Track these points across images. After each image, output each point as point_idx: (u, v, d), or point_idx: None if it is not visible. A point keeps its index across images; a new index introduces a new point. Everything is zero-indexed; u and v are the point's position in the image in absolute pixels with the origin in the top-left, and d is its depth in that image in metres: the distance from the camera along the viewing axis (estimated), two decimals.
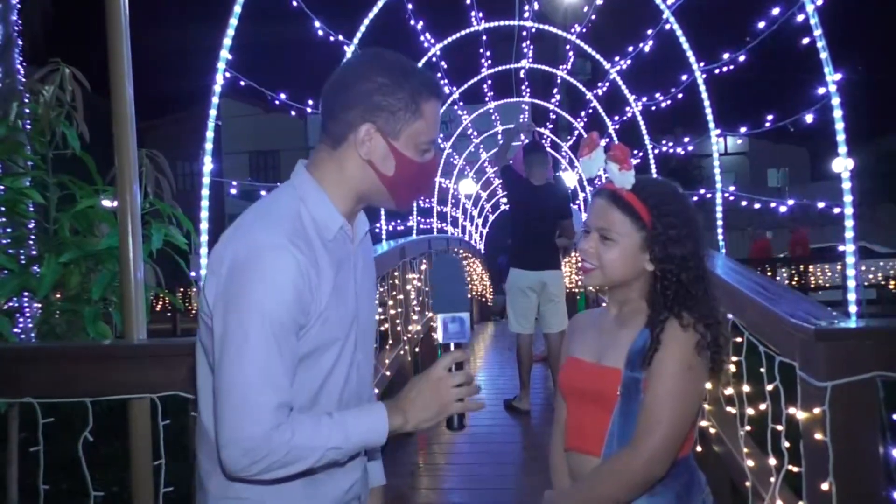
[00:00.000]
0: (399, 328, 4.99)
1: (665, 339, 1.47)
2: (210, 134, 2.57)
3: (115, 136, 2.29)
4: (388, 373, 4.22)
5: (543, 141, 12.62)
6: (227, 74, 2.57)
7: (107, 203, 2.96)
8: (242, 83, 3.00)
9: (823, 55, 2.43)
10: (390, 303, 4.90)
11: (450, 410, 1.34)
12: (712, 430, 3.11)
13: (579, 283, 10.15)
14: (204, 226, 2.74)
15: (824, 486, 1.91)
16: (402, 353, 4.88)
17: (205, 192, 2.67)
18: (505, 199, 6.52)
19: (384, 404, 1.31)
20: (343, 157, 1.34)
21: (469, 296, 1.44)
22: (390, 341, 4.80)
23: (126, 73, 2.30)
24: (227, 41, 2.62)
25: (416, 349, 5.62)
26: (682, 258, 1.51)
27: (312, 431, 1.23)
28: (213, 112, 2.58)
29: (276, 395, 1.21)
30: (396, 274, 5.13)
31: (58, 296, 2.96)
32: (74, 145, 3.02)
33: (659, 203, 1.55)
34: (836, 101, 2.44)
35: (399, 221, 7.29)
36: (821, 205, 2.74)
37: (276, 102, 3.78)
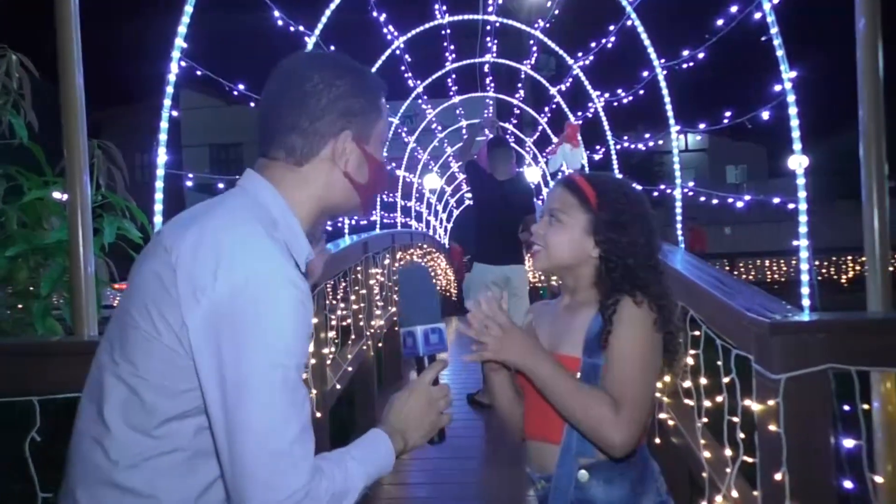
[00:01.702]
0: (362, 323, 4.96)
1: (620, 318, 1.48)
2: (165, 125, 2.51)
3: (63, 125, 2.22)
4: (350, 368, 4.19)
5: (507, 136, 12.66)
6: (183, 63, 2.51)
7: (56, 195, 2.87)
8: (199, 73, 2.94)
9: (780, 53, 2.47)
10: (353, 297, 4.86)
11: (438, 425, 1.32)
12: (671, 423, 3.16)
13: (541, 276, 10.23)
14: (158, 219, 2.68)
15: (778, 476, 1.95)
16: (364, 348, 4.85)
17: (159, 184, 2.60)
18: (469, 195, 6.55)
19: (383, 432, 1.26)
20: (312, 173, 1.22)
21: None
22: (353, 336, 4.77)
23: (75, 60, 2.23)
24: (182, 29, 2.56)
25: (379, 344, 5.59)
26: (628, 244, 1.52)
27: (343, 476, 1.14)
28: (167, 102, 2.52)
29: (311, 440, 1.10)
30: (359, 269, 5.09)
31: (9, 290, 2.87)
32: (21, 134, 2.92)
33: (607, 189, 1.58)
34: (791, 98, 2.49)
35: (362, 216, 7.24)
36: (776, 200, 2.79)
37: (235, 93, 3.71)
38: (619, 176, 1.73)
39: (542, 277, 10.25)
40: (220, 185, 2.95)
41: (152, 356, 1.11)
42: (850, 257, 15.58)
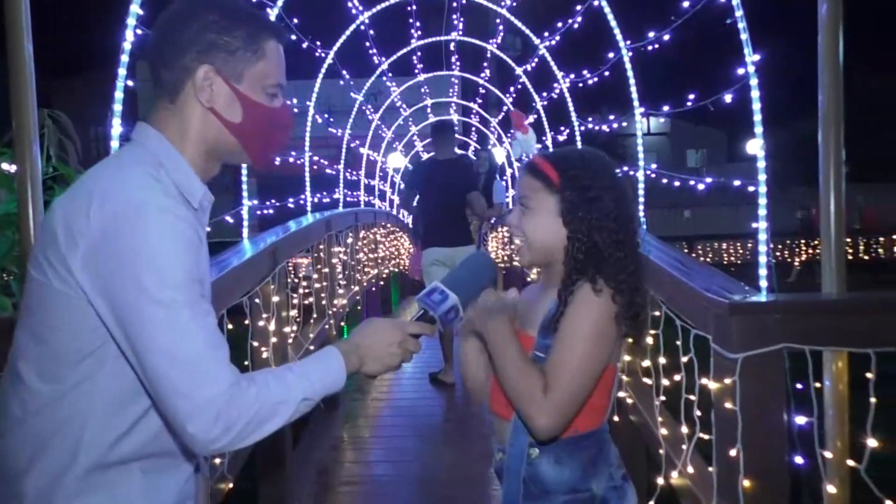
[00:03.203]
0: (324, 302, 4.92)
1: (575, 301, 1.46)
2: (119, 95, 2.42)
3: (11, 94, 2.13)
4: (312, 347, 4.15)
5: (473, 116, 12.63)
6: (139, 31, 2.43)
7: (5, 166, 2.76)
8: None
9: (744, 36, 2.49)
10: (315, 276, 4.82)
11: (392, 366, 1.33)
12: (629, 401, 3.21)
13: (506, 258, 10.27)
14: None
15: (732, 453, 1.99)
16: (326, 327, 4.81)
17: None
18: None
19: (338, 348, 1.27)
20: (184, 109, 1.22)
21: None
22: (315, 315, 4.73)
23: (24, 26, 2.13)
24: None
25: (342, 324, 5.56)
26: (598, 219, 1.49)
27: (280, 385, 1.15)
28: (122, 72, 2.43)
29: (223, 348, 1.13)
30: (322, 247, 5.04)
31: None
32: None
33: (569, 166, 1.54)
34: (754, 81, 2.51)
35: (325, 194, 7.16)
36: (736, 183, 2.83)
37: None
38: (582, 147, 1.70)
39: (506, 260, 10.28)
40: None
41: (52, 304, 1.14)
42: (803, 241, 15.99)
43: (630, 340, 1.52)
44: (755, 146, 2.53)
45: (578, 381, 1.44)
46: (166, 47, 1.21)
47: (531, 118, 7.37)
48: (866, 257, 17.24)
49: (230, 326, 2.77)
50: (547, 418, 1.42)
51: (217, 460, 2.50)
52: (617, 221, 1.50)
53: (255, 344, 3.23)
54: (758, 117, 2.50)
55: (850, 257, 15.32)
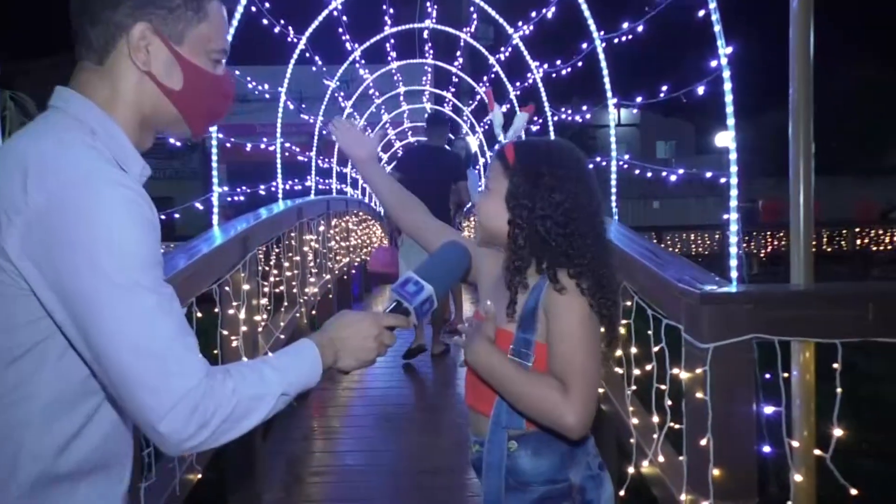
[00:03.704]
0: (295, 290, 4.86)
1: (553, 298, 1.45)
2: None
3: None
4: (282, 336, 4.11)
5: (446, 104, 12.57)
6: None
7: None
8: None
9: (717, 28, 2.49)
10: (286, 264, 4.76)
11: (366, 361, 1.28)
12: (601, 390, 3.22)
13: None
14: None
15: (703, 442, 2.01)
16: (297, 315, 4.76)
17: None
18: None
19: (313, 341, 1.20)
20: (115, 72, 1.09)
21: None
22: (286, 303, 4.68)
23: None
24: None
25: (313, 312, 5.52)
26: (540, 209, 1.46)
27: (257, 379, 1.07)
28: None
29: (192, 337, 1.02)
30: (293, 235, 4.98)
31: None
32: None
33: (528, 152, 1.54)
34: (726, 74, 2.52)
35: (297, 181, 7.08)
36: (708, 174, 2.84)
37: None
38: (557, 139, 1.69)
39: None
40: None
41: None
42: (769, 233, 16.27)
43: (602, 329, 1.51)
44: (726, 138, 2.54)
45: (591, 370, 1.43)
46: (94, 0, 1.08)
47: (505, 107, 7.35)
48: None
49: (199, 315, 2.72)
50: (575, 416, 1.40)
51: None
52: (567, 215, 1.47)
53: (225, 332, 3.19)
54: (730, 109, 2.51)
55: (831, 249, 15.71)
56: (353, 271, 8.84)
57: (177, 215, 4.46)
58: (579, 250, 1.47)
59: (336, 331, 1.25)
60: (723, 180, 2.47)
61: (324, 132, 8.16)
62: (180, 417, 0.98)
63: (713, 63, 2.62)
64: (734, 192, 2.42)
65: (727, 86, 2.48)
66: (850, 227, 17.08)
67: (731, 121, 2.49)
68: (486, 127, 9.74)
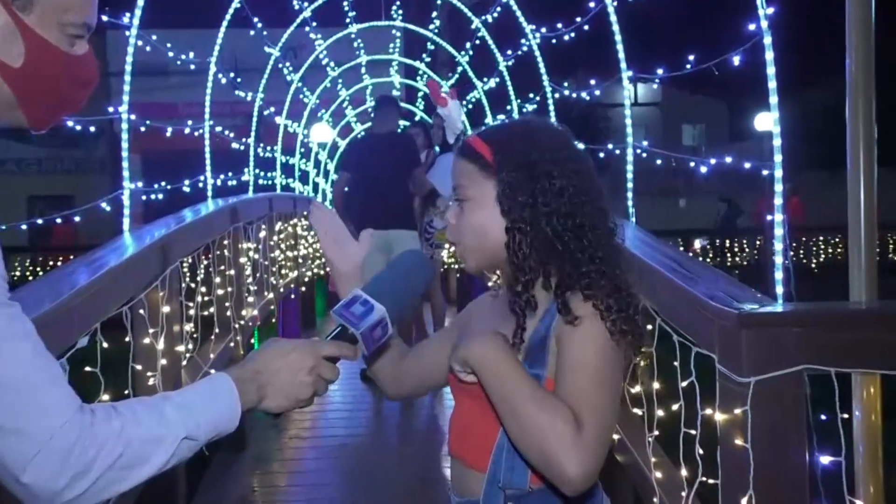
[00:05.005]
0: (229, 313, 4.82)
1: (567, 333, 1.45)
2: None
3: None
4: (212, 371, 4.07)
5: (419, 77, 12.61)
6: None
7: None
8: None
9: None
10: (217, 280, 4.72)
11: (299, 401, 1.27)
12: (615, 436, 3.23)
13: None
14: None
15: (743, 501, 2.01)
16: (232, 345, 4.72)
17: None
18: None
19: (230, 375, 1.20)
20: None
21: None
22: (216, 330, 4.64)
23: None
24: None
25: (252, 340, 5.48)
26: (543, 203, 1.46)
27: (153, 418, 1.07)
28: None
29: (57, 365, 1.04)
30: (226, 243, 4.95)
31: None
32: None
33: (506, 139, 1.53)
34: (768, 39, 2.55)
35: (231, 175, 7.05)
36: (747, 165, 2.87)
37: None
38: (529, 117, 1.69)
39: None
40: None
41: None
42: (821, 238, 16.47)
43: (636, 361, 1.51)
44: (768, 120, 2.57)
45: (608, 412, 1.41)
46: None
47: (447, 86, 7.42)
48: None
49: (105, 345, 2.69)
50: (581, 466, 1.35)
51: None
52: (573, 204, 1.47)
53: (139, 367, 3.15)
54: (773, 84, 2.54)
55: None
56: (304, 289, 8.81)
57: (77, 218, 4.43)
58: (592, 247, 1.47)
59: (262, 362, 1.24)
60: (765, 172, 2.50)
61: (265, 112, 8.13)
62: (49, 464, 0.97)
63: (751, 26, 2.65)
64: (778, 188, 2.44)
65: (769, 55, 2.51)
66: None
67: (773, 98, 2.53)
68: (471, 108, 9.76)
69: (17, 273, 13.42)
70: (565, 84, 6.51)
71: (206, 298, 4.53)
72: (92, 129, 5.25)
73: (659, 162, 4.02)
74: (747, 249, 16.50)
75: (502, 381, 1.41)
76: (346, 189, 6.26)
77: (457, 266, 10.01)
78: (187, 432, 1.10)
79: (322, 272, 10.14)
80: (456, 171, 1.56)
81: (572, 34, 5.40)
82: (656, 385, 2.73)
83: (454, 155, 1.59)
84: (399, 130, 6.53)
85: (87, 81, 1.19)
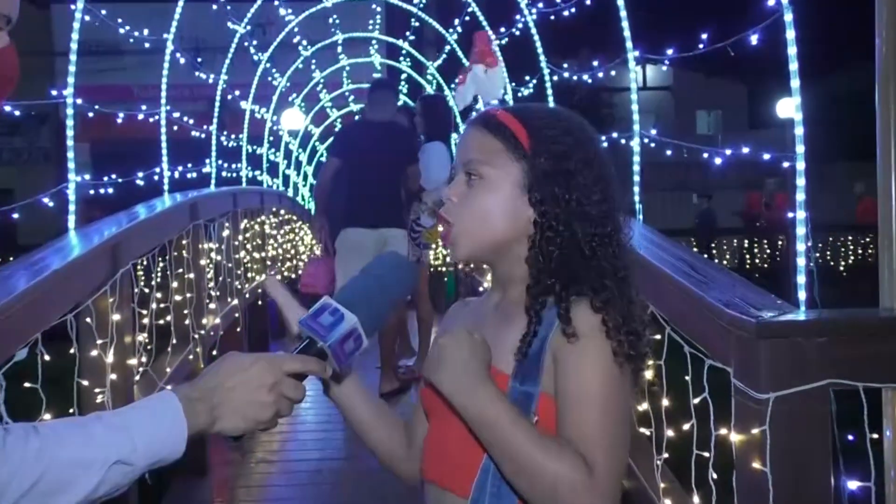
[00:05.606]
0: (188, 322, 4.81)
1: (567, 350, 1.43)
2: None
3: None
4: (168, 387, 4.05)
5: (403, 59, 12.61)
6: None
7: None
8: None
9: None
10: (174, 285, 4.71)
11: (259, 423, 1.26)
12: None
13: (447, 255, 10.29)
14: None
15: None
16: (191, 357, 4.71)
17: None
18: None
19: (177, 394, 1.19)
20: None
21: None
22: (174, 341, 4.62)
23: None
24: None
25: (213, 353, 5.46)
26: (577, 202, 1.47)
27: (79, 439, 1.08)
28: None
29: None
30: (185, 243, 4.94)
31: None
32: None
33: (545, 124, 1.52)
34: (789, 17, 2.56)
35: (191, 166, 7.03)
36: (766, 156, 2.88)
37: None
38: (557, 107, 1.69)
39: (448, 259, 10.29)
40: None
41: None
42: (849, 237, 16.52)
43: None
44: (789, 106, 2.58)
45: (619, 445, 1.41)
46: None
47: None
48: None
49: (47, 357, 2.68)
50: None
51: None
52: (605, 206, 1.48)
53: (86, 383, 3.14)
54: (794, 66, 2.55)
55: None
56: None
57: (16, 215, 4.40)
58: (617, 258, 1.48)
59: (216, 379, 1.23)
60: (786, 164, 2.51)
61: (229, 96, 8.09)
62: None
63: (770, 1, 2.66)
64: (801, 182, 2.45)
65: (790, 34, 2.51)
66: None
67: (795, 82, 2.53)
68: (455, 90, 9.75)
69: None
70: (565, 66, 6.51)
71: (161, 305, 4.52)
72: (33, 114, 5.23)
73: (669, 153, 4.03)
74: (768, 250, 16.53)
75: (495, 435, 1.39)
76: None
77: (454, 269, 10.00)
78: (119, 456, 1.10)
79: (293, 276, 10.15)
80: (474, 144, 1.53)
81: (573, 10, 5.41)
82: (665, 402, 2.74)
83: (472, 126, 1.57)
84: (396, 119, 6.40)
85: (6, 78, 1.18)
